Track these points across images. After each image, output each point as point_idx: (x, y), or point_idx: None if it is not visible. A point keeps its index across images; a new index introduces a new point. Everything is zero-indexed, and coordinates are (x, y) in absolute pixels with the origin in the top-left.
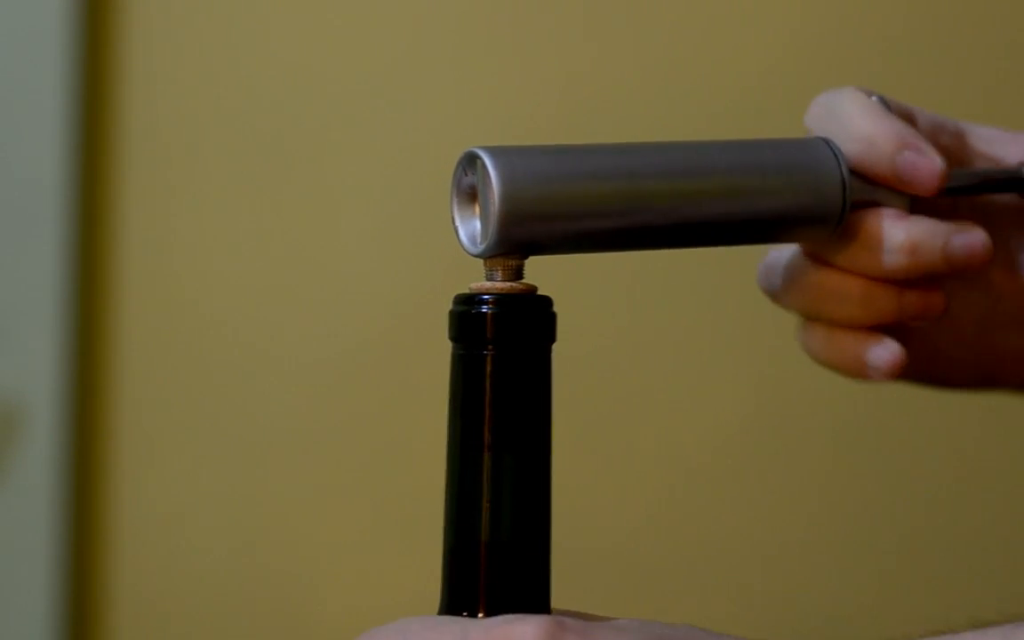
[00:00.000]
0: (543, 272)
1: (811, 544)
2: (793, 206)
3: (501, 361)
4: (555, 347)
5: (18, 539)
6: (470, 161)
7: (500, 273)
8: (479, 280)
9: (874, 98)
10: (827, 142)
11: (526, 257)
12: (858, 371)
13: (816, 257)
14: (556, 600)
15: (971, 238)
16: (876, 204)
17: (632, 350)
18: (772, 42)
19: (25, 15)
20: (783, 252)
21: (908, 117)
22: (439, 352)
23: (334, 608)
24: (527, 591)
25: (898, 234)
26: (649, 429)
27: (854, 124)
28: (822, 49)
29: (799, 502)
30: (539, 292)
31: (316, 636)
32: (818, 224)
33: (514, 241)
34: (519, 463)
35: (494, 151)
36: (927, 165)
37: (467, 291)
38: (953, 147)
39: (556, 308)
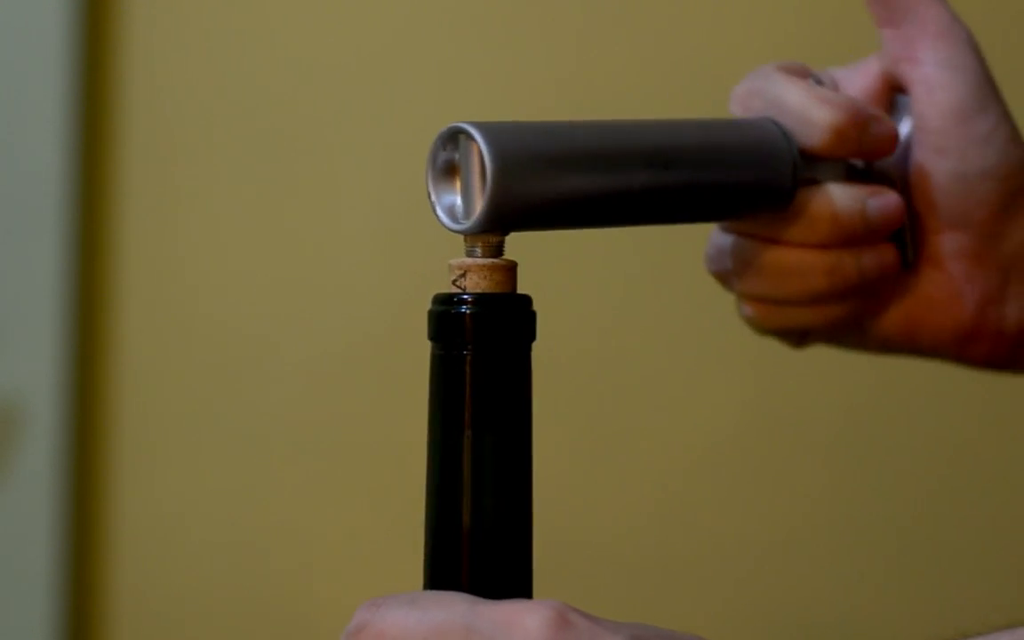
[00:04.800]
0: (542, 271)
1: (807, 542)
2: (751, 181)
3: (481, 361)
4: (551, 346)
5: (18, 539)
6: (451, 136)
7: (481, 249)
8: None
9: (809, 79)
10: (775, 122)
11: (507, 234)
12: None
13: (767, 238)
14: (552, 597)
15: (886, 201)
16: (815, 179)
17: (627, 348)
18: (767, 41)
19: (25, 14)
20: (726, 236)
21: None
22: None
23: (334, 607)
24: (509, 584)
25: (850, 201)
26: (645, 427)
27: (810, 114)
28: (818, 49)
29: (795, 500)
30: (528, 291)
31: (316, 635)
32: (772, 200)
33: (503, 217)
34: (499, 460)
35: (484, 126)
36: (886, 132)
37: (445, 291)
38: None
39: (553, 307)
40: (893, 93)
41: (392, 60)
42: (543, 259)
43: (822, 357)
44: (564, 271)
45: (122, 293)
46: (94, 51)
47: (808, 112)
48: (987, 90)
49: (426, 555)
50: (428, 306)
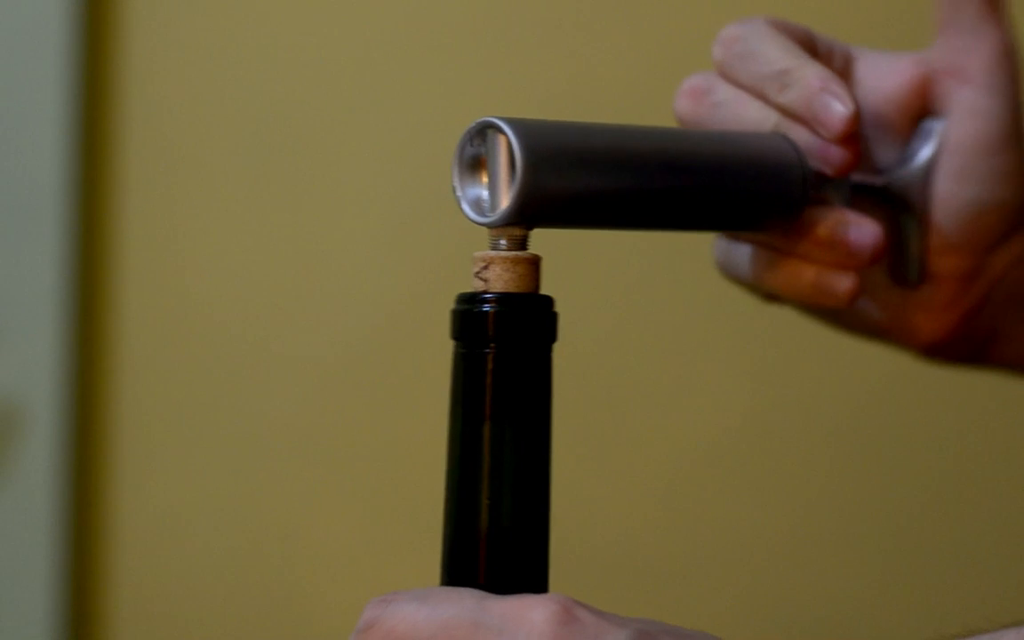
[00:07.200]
0: (544, 271)
1: (810, 542)
2: (764, 193)
3: (502, 360)
4: (553, 346)
5: (18, 539)
6: (480, 131)
7: (506, 242)
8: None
9: (786, 36)
10: (786, 138)
11: (531, 228)
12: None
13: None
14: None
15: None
16: (823, 199)
17: (629, 348)
18: None
19: (25, 15)
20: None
21: (809, 41)
22: (442, 350)
23: (334, 608)
24: (526, 580)
25: (863, 237)
26: (647, 426)
27: (774, 60)
28: None
29: (798, 500)
30: (541, 290)
31: (317, 635)
32: (781, 215)
33: (529, 210)
34: (519, 458)
35: (514, 121)
36: (840, 110)
37: (469, 290)
38: (840, 72)
39: (557, 306)
40: (923, 105)
41: (392, 61)
42: (546, 260)
43: (824, 358)
44: (565, 271)
45: (122, 293)
46: (94, 53)
47: (788, 76)
48: (1018, 125)
49: (444, 551)
50: (429, 308)
